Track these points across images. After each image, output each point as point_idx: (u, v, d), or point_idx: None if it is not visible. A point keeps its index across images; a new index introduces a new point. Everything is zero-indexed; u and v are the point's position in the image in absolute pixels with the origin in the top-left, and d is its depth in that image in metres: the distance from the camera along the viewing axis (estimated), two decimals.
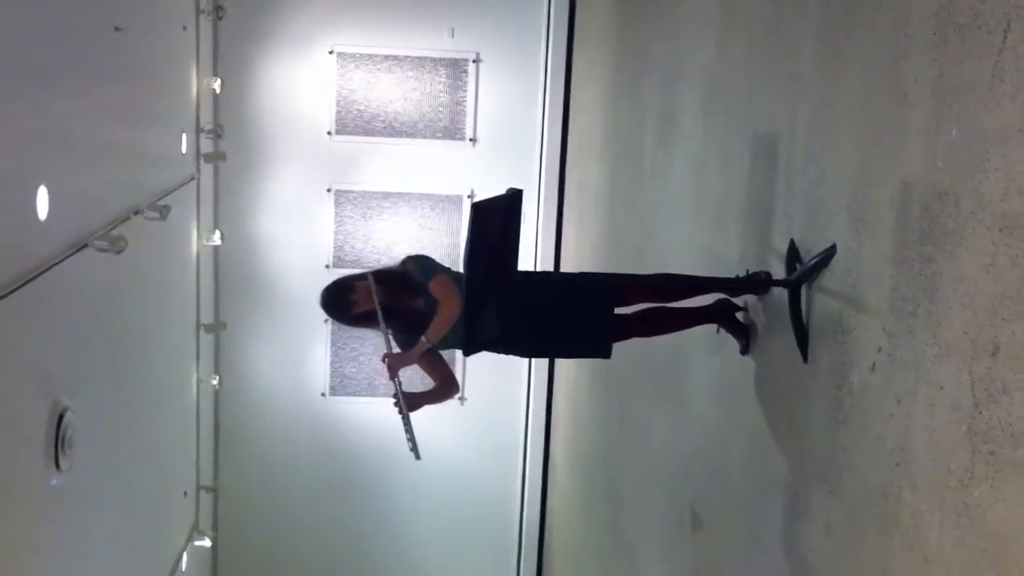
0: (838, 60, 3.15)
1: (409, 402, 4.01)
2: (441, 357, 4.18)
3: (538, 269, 8.87)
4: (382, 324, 3.92)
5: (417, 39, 8.88)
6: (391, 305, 3.96)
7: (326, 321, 8.83)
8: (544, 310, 3.91)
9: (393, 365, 3.95)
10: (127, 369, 5.87)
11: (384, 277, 4.03)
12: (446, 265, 4.15)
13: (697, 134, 4.90)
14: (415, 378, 4.37)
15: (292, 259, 9.09)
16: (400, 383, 3.96)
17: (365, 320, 4.04)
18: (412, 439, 3.99)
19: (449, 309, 3.83)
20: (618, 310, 3.99)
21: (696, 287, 4.03)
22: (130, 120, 5.90)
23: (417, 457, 4.02)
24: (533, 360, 9.30)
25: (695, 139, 4.93)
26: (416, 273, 4.00)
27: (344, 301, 4.05)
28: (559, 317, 3.93)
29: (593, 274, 4.34)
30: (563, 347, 4.32)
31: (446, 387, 4.22)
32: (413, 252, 4.45)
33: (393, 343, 4.02)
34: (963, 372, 2.31)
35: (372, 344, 9.15)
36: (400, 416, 3.98)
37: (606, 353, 3.98)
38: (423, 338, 3.89)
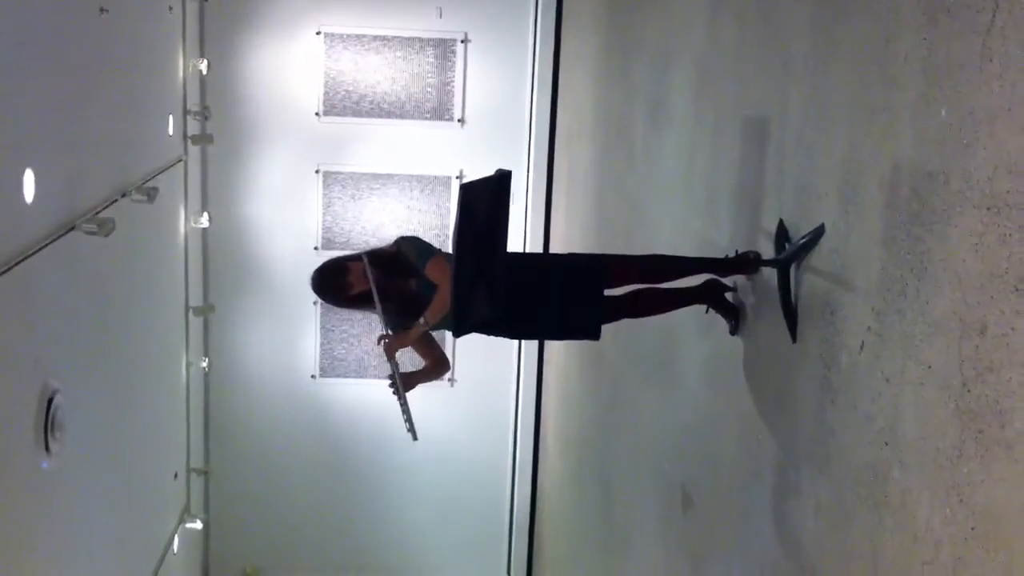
0: (828, 42, 3.15)
1: (405, 383, 4.00)
2: (432, 337, 4.18)
3: (527, 251, 8.86)
4: (378, 306, 3.90)
5: (405, 19, 8.84)
6: (385, 286, 3.94)
7: (315, 303, 8.82)
8: (533, 291, 3.90)
9: (391, 346, 3.93)
10: (116, 352, 5.86)
11: (377, 258, 4.01)
12: (438, 247, 4.15)
13: (688, 117, 4.89)
14: (403, 358, 4.37)
15: (281, 241, 9.06)
16: (397, 365, 3.95)
17: (359, 302, 4.02)
18: (409, 420, 3.99)
19: (447, 291, 3.81)
20: (607, 291, 3.99)
21: (685, 268, 4.03)
22: (116, 102, 5.87)
23: (415, 438, 4.02)
24: (523, 341, 9.30)
25: (686, 122, 4.92)
26: (411, 255, 3.98)
27: (338, 283, 4.03)
28: (548, 298, 3.93)
29: (582, 255, 4.34)
30: (552, 329, 4.32)
31: (438, 366, 4.22)
32: (405, 233, 4.44)
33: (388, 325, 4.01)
34: (951, 351, 2.32)
35: (362, 325, 9.15)
36: (396, 397, 3.97)
37: (595, 335, 3.98)
38: (421, 320, 3.87)
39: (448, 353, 8.77)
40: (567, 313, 3.95)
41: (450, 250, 3.69)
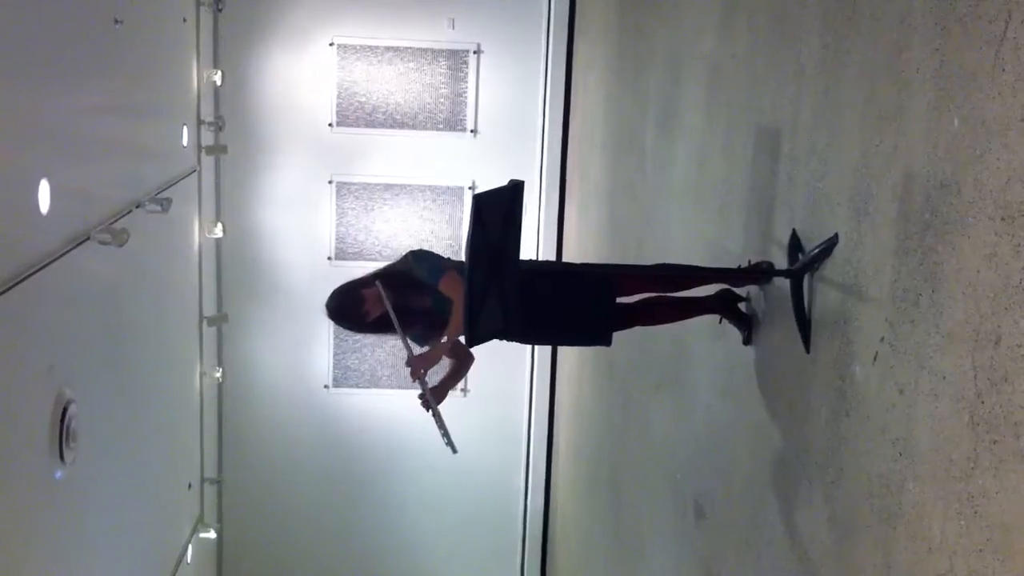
0: (841, 50, 3.15)
1: (436, 396, 3.98)
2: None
3: (540, 258, 8.86)
4: (399, 329, 3.86)
5: (417, 30, 8.87)
6: (402, 306, 3.92)
7: None
8: (545, 298, 3.90)
9: (416, 368, 3.90)
10: (130, 362, 5.88)
11: (390, 278, 3.99)
12: (448, 257, 4.13)
13: (699, 124, 4.89)
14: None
15: (294, 251, 9.09)
16: (426, 382, 3.92)
17: (379, 326, 4.00)
18: (446, 434, 3.96)
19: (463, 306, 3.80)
20: (620, 299, 3.98)
21: (697, 277, 4.02)
22: (131, 113, 5.90)
23: (454, 451, 3.99)
24: (536, 351, 9.30)
25: (697, 129, 4.92)
26: (422, 273, 3.96)
27: (356, 312, 3.99)
28: (560, 305, 3.92)
29: (595, 264, 4.33)
30: (564, 335, 4.32)
31: (464, 363, 4.21)
32: (415, 246, 4.42)
33: (411, 343, 3.97)
34: (965, 361, 2.31)
35: (374, 336, 9.15)
36: (431, 414, 3.95)
37: (607, 341, 3.97)
38: (444, 339, 3.87)
39: None
40: (578, 320, 3.94)
41: (463, 260, 3.69)
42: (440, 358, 3.95)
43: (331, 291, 4.11)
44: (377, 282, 3.91)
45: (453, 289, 3.84)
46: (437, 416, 3.94)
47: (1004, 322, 2.17)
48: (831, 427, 3.06)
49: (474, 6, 8.91)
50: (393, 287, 3.92)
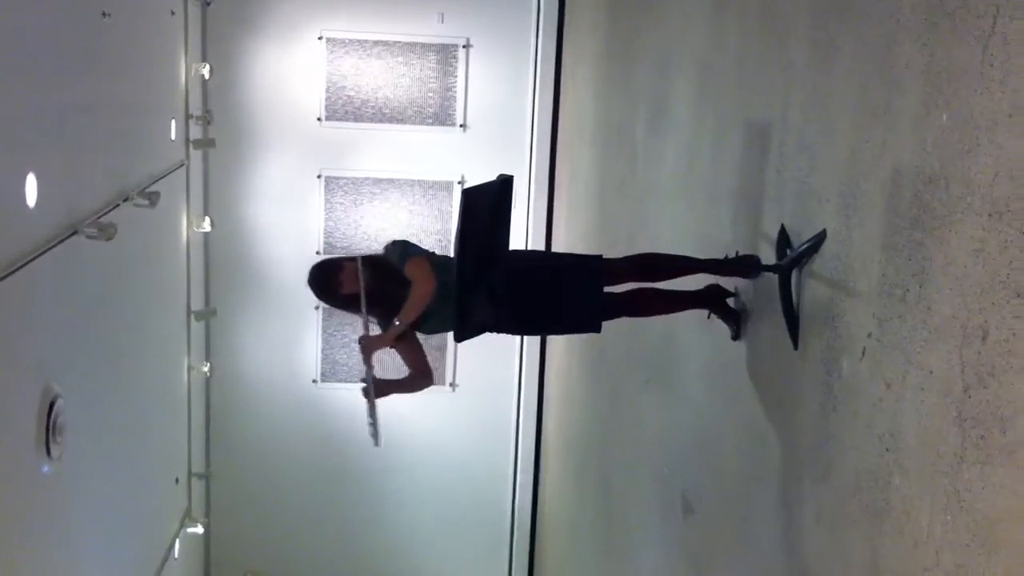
0: (830, 46, 3.15)
1: (378, 388, 3.98)
2: (419, 344, 4.11)
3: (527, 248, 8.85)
4: (363, 307, 3.89)
5: (407, 24, 8.85)
6: (377, 291, 3.92)
7: (317, 307, 8.83)
8: (534, 288, 3.89)
9: (368, 347, 3.91)
10: (118, 356, 5.86)
11: (373, 263, 4.01)
12: (430, 250, 4.14)
13: (689, 121, 4.90)
14: (388, 367, 4.34)
15: (282, 245, 9.07)
16: (372, 368, 3.93)
17: (349, 303, 4.01)
18: (374, 424, 3.96)
19: (421, 290, 3.79)
20: (608, 289, 3.98)
21: (683, 267, 4.02)
22: (118, 106, 5.88)
23: (376, 443, 4.00)
24: (525, 345, 9.30)
25: (687, 126, 4.93)
26: (394, 256, 3.98)
27: (330, 281, 4.02)
28: (549, 294, 3.92)
29: (581, 254, 4.32)
30: (553, 324, 4.31)
31: (419, 376, 4.14)
32: (396, 238, 4.43)
33: (375, 329, 3.99)
34: (953, 357, 2.32)
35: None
36: (365, 399, 3.96)
37: (596, 327, 3.96)
38: (396, 320, 3.86)
39: (449, 356, 8.71)
40: (568, 307, 3.94)
41: (452, 255, 3.69)
42: (391, 341, 3.93)
43: None
44: (358, 259, 3.93)
45: (417, 272, 3.84)
46: (372, 406, 3.95)
47: (991, 317, 2.18)
48: (819, 422, 3.07)
49: (464, 0, 8.90)
50: (374, 270, 3.93)
